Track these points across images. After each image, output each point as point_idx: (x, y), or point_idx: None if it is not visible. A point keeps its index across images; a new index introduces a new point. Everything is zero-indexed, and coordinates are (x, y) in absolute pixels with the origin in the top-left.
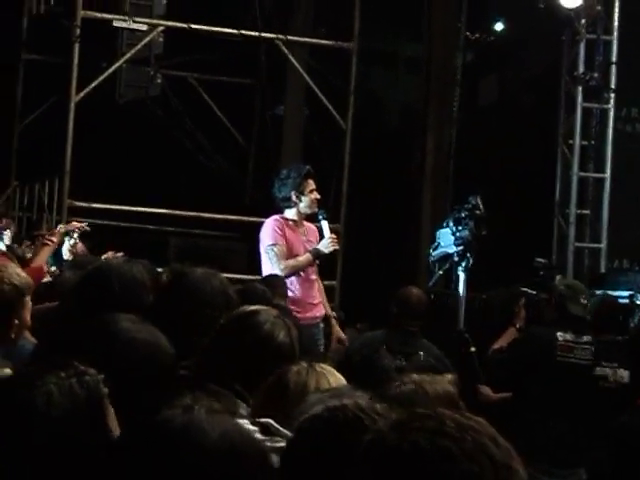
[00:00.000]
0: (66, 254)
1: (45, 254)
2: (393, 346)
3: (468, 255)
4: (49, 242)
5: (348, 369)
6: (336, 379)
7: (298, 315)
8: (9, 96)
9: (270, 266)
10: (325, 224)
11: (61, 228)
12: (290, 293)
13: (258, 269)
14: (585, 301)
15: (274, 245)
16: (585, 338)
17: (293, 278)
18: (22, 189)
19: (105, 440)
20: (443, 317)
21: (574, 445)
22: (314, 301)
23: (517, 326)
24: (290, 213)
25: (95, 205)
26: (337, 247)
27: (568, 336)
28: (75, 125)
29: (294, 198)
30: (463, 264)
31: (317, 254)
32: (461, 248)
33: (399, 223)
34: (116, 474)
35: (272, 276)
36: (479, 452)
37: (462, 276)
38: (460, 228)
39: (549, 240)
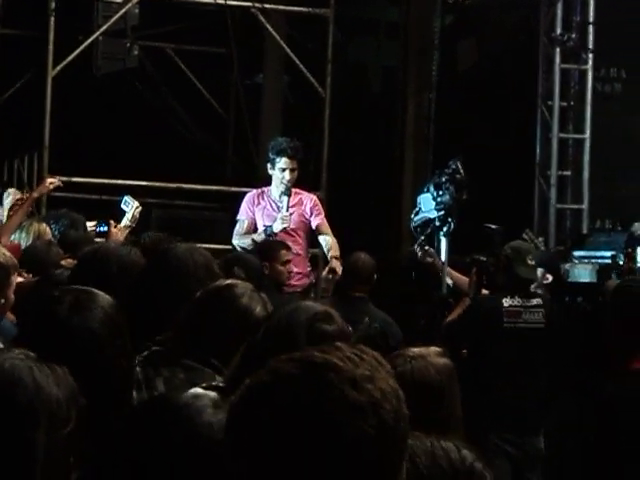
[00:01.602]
0: None
1: (17, 219)
2: (340, 313)
3: (449, 220)
4: (19, 204)
5: (291, 336)
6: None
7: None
8: None
9: None
10: (285, 200)
11: (34, 193)
12: None
13: None
14: (532, 262)
15: (238, 220)
16: (535, 301)
17: None
18: (1, 165)
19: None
20: (426, 283)
21: (527, 412)
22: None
23: (470, 295)
24: (272, 185)
25: (75, 179)
26: (286, 225)
27: (515, 301)
28: (53, 99)
29: (269, 172)
30: (445, 229)
31: (269, 232)
32: (442, 213)
33: (380, 189)
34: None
35: (269, 243)
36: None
37: (444, 241)
38: (441, 193)
39: (531, 202)
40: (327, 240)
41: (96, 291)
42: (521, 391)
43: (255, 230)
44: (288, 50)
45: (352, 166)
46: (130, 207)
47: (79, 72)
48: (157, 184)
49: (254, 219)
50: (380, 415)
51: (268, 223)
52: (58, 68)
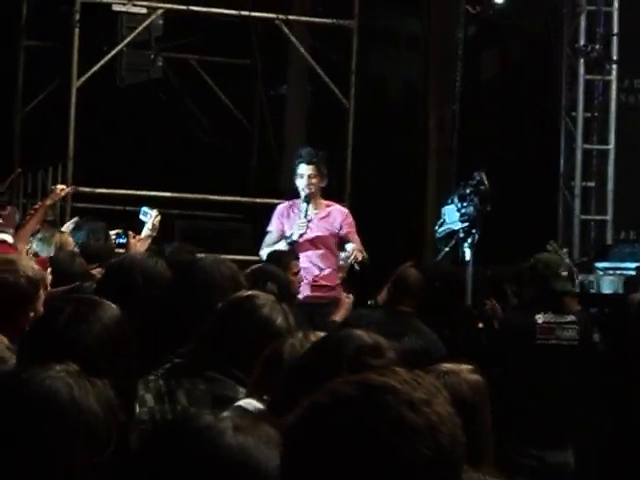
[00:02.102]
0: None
1: (30, 226)
2: (385, 327)
3: (473, 231)
4: (32, 212)
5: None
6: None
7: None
8: (10, 82)
9: None
10: (303, 207)
11: (47, 200)
12: None
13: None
14: (565, 273)
15: (268, 231)
16: (569, 317)
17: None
18: (25, 176)
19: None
20: (450, 294)
21: (557, 427)
22: (312, 283)
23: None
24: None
25: (99, 190)
26: (302, 231)
27: (549, 317)
28: (77, 110)
29: (295, 182)
30: (469, 240)
31: (290, 241)
32: (466, 224)
33: (404, 200)
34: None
35: (279, 253)
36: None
37: (468, 252)
38: (465, 204)
39: (555, 213)
40: (351, 245)
41: (102, 302)
42: (552, 408)
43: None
44: (312, 61)
45: (376, 177)
46: (149, 217)
47: (103, 83)
48: (181, 195)
49: (284, 231)
50: (437, 438)
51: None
52: (82, 79)
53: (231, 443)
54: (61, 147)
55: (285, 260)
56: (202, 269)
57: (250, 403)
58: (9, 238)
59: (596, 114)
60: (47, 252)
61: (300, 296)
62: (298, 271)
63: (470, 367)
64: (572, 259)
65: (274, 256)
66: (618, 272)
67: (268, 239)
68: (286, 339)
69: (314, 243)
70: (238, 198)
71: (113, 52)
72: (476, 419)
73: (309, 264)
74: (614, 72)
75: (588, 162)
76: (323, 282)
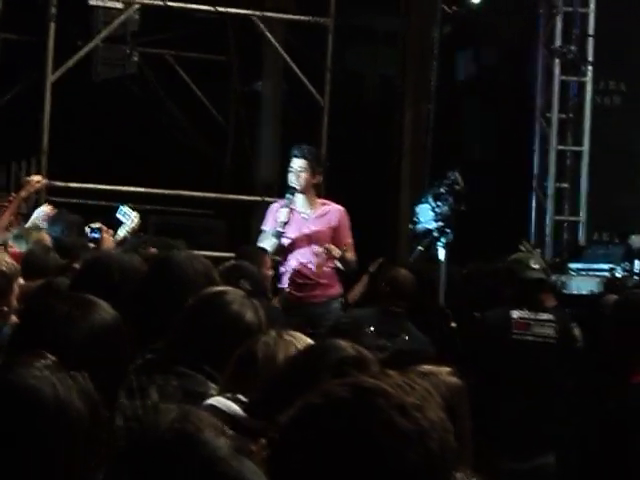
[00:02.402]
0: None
1: (5, 219)
2: (379, 326)
3: (448, 230)
4: (6, 205)
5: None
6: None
7: (295, 293)
8: None
9: None
10: (287, 198)
11: (22, 192)
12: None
13: (236, 246)
14: (536, 265)
15: (262, 230)
16: (546, 315)
17: (289, 258)
18: None
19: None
20: (424, 293)
21: (536, 429)
22: (306, 281)
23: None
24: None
25: (73, 185)
26: (281, 229)
27: (524, 313)
28: (52, 104)
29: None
30: (443, 240)
31: (275, 232)
32: (441, 224)
33: (378, 199)
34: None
35: (251, 249)
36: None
37: (442, 252)
38: (439, 204)
39: (528, 214)
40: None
41: (96, 303)
42: (529, 407)
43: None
44: (287, 58)
45: (349, 175)
46: (128, 219)
47: (78, 78)
48: (155, 190)
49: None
50: (426, 444)
51: (292, 233)
52: (57, 73)
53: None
54: (35, 141)
55: (258, 256)
56: (176, 265)
57: (222, 402)
58: None
59: (571, 115)
60: (24, 248)
61: (298, 295)
62: (272, 266)
63: (449, 369)
64: (545, 259)
65: (247, 252)
66: (591, 273)
67: (262, 238)
68: (259, 338)
69: (311, 241)
70: (211, 194)
71: (88, 46)
72: (455, 422)
73: (306, 262)
74: (589, 73)
75: (562, 163)
76: (320, 280)
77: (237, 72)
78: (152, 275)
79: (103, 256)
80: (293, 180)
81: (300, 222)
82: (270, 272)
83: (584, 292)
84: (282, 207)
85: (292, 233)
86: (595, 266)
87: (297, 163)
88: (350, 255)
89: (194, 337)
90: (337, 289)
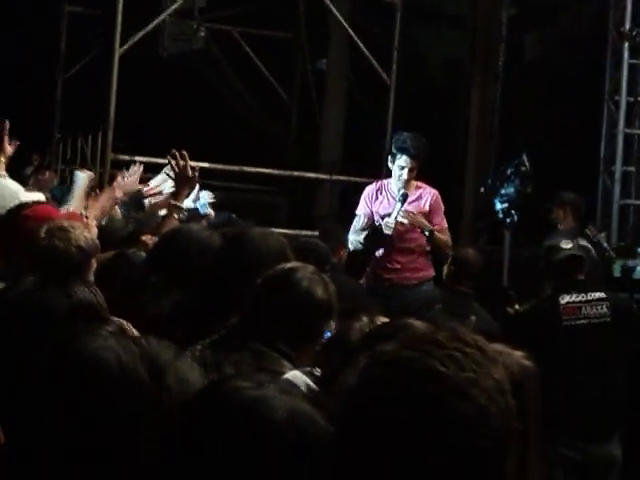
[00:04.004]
0: None
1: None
2: (447, 306)
3: (513, 212)
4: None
5: None
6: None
7: (384, 275)
8: (53, 48)
9: None
10: (397, 206)
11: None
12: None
13: (299, 223)
14: (569, 244)
15: (357, 214)
16: (596, 295)
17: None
18: (65, 142)
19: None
20: (488, 275)
21: (597, 415)
22: (396, 266)
23: None
24: (392, 178)
25: (138, 158)
26: (390, 232)
27: (573, 297)
28: (118, 78)
29: (389, 164)
30: (508, 221)
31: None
32: (506, 205)
33: (443, 179)
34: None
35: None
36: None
37: (507, 233)
38: (506, 185)
39: (594, 197)
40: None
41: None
42: (588, 393)
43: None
44: (354, 36)
45: None
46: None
47: (145, 52)
48: (219, 166)
49: (372, 213)
50: (489, 423)
51: (386, 212)
52: (125, 47)
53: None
54: (101, 114)
55: (341, 237)
56: (250, 241)
57: (297, 376)
58: (42, 197)
59: (639, 99)
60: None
61: (387, 277)
62: (341, 257)
63: (522, 353)
64: (610, 243)
65: (330, 232)
66: None
67: (356, 223)
68: (354, 323)
69: (403, 224)
70: (275, 171)
71: (156, 21)
72: (526, 404)
73: (398, 246)
74: None
75: (629, 146)
76: (411, 266)
77: (303, 50)
78: (226, 250)
79: (184, 230)
80: (405, 178)
81: (392, 205)
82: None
83: None
84: (389, 200)
85: (385, 213)
86: None
87: (409, 162)
88: (444, 237)
89: (266, 314)
90: (429, 272)
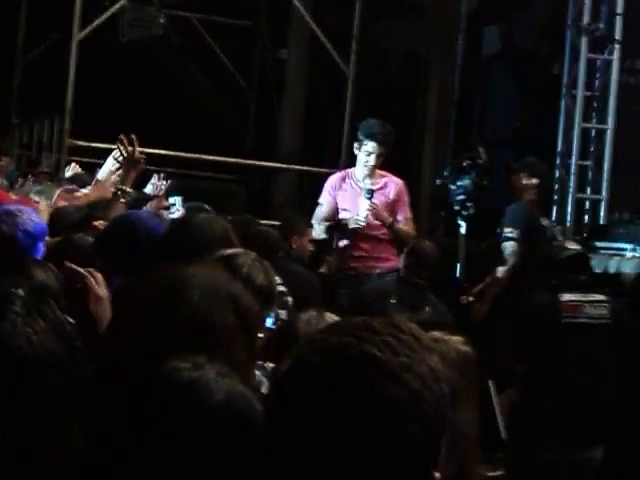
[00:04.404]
0: None
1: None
2: (402, 298)
3: (469, 204)
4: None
5: (357, 315)
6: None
7: (349, 264)
8: (12, 34)
9: None
10: (365, 203)
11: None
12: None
13: (256, 211)
14: (573, 245)
15: (318, 203)
16: (598, 296)
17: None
18: (22, 127)
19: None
20: (443, 266)
21: (588, 417)
22: (361, 254)
23: None
24: (357, 167)
25: (95, 144)
26: (360, 226)
27: (575, 295)
28: (77, 63)
29: (355, 151)
30: (464, 213)
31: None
32: (462, 197)
33: (401, 170)
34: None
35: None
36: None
37: (463, 225)
38: (462, 177)
39: (550, 190)
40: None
41: None
42: (582, 394)
43: (337, 215)
44: (314, 26)
45: None
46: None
47: (105, 37)
48: (177, 154)
49: (336, 204)
50: (421, 408)
51: (348, 207)
52: (84, 32)
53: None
54: (59, 100)
55: (303, 225)
56: (195, 226)
57: None
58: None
59: (596, 93)
60: (44, 203)
61: (352, 265)
62: (299, 245)
63: (461, 338)
64: (565, 237)
65: (292, 220)
66: (610, 252)
67: (318, 212)
68: (300, 315)
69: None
70: (233, 159)
71: (116, 6)
72: (464, 391)
73: (362, 235)
74: (616, 52)
75: (586, 141)
76: (376, 254)
77: (263, 38)
78: (170, 235)
79: (132, 216)
80: (372, 164)
81: (357, 194)
82: (309, 245)
83: (611, 271)
84: (352, 188)
85: (349, 205)
86: (617, 245)
87: (377, 148)
88: (406, 229)
89: None
90: (394, 262)
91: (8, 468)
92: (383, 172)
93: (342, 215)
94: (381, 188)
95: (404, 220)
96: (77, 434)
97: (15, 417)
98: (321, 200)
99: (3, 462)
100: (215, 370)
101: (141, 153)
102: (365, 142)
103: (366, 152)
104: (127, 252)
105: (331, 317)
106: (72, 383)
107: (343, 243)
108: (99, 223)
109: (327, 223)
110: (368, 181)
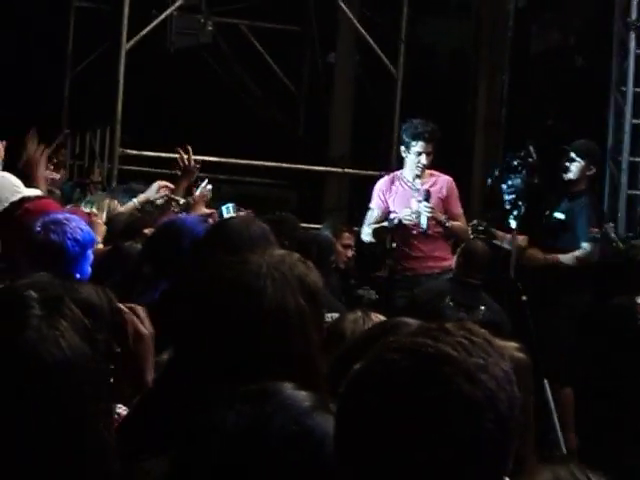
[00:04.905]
0: None
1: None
2: (457, 298)
3: (520, 203)
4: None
5: (412, 316)
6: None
7: (405, 265)
8: (61, 44)
9: None
10: (420, 205)
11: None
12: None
13: (308, 216)
14: None
15: (369, 208)
16: None
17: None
18: (74, 137)
19: None
20: (495, 266)
21: None
22: (418, 254)
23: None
24: (405, 167)
25: (146, 153)
26: (430, 214)
27: None
28: (126, 73)
29: (402, 154)
30: (515, 213)
31: (396, 222)
32: (513, 196)
33: (451, 171)
34: None
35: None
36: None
37: (514, 224)
38: (512, 176)
39: (601, 187)
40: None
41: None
42: None
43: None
44: (361, 29)
45: None
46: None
47: (153, 47)
48: (227, 160)
49: (387, 207)
50: (497, 408)
51: (398, 207)
52: (132, 42)
53: None
54: (109, 109)
55: (339, 230)
56: (231, 228)
57: None
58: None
59: None
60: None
61: (408, 266)
62: (349, 245)
63: (516, 345)
64: (617, 234)
65: (329, 225)
66: None
67: (369, 217)
68: (347, 315)
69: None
70: (283, 164)
71: (163, 15)
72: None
73: (415, 235)
74: None
75: (636, 137)
76: (433, 254)
77: (312, 43)
78: (207, 238)
79: (177, 222)
80: (424, 163)
81: (409, 195)
82: (347, 250)
83: None
84: (404, 189)
85: (401, 207)
86: None
87: (426, 147)
88: (459, 224)
89: None
90: (450, 261)
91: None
92: (431, 170)
93: (391, 215)
94: (431, 186)
95: (456, 216)
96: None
97: (57, 422)
98: (372, 205)
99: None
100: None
101: (195, 162)
102: (413, 143)
103: (416, 152)
104: (172, 257)
105: (377, 317)
106: (99, 379)
107: (398, 244)
108: (148, 230)
109: (375, 225)
110: (418, 181)
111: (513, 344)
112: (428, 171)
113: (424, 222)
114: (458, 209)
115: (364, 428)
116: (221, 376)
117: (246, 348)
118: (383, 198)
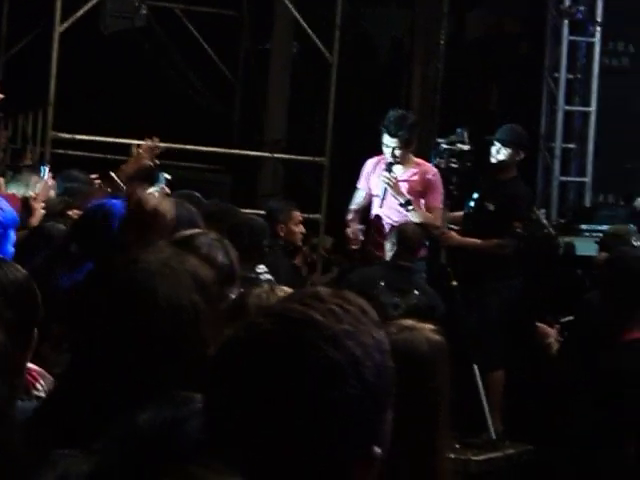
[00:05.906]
0: None
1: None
2: (390, 282)
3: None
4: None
5: None
6: None
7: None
8: None
9: None
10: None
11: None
12: None
13: (242, 201)
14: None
15: (357, 189)
16: None
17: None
18: (5, 120)
19: None
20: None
21: None
22: None
23: None
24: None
25: (79, 137)
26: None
27: None
28: (59, 56)
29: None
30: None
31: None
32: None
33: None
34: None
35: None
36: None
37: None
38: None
39: (534, 174)
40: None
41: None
42: None
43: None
44: (297, 15)
45: (357, 133)
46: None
47: (87, 29)
48: (162, 144)
49: (370, 187)
50: (361, 374)
51: (376, 190)
52: (65, 24)
53: None
54: (42, 93)
55: (287, 210)
56: (155, 209)
57: None
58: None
59: (579, 76)
60: (23, 193)
61: (380, 253)
62: (301, 221)
63: (433, 327)
64: (550, 220)
65: (276, 207)
66: (594, 234)
67: (357, 197)
68: (252, 289)
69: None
70: (218, 149)
71: None
72: (435, 379)
73: (391, 221)
74: (598, 34)
75: (569, 124)
76: None
77: (247, 28)
78: (130, 219)
79: (107, 203)
80: (387, 156)
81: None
82: (298, 228)
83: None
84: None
85: (377, 190)
86: (601, 228)
87: (390, 142)
88: (425, 214)
89: None
90: (422, 251)
91: None
92: (419, 160)
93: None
94: (411, 175)
95: (431, 209)
96: None
97: None
98: (359, 185)
99: None
100: None
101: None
102: (383, 132)
103: (384, 144)
104: (101, 239)
105: (283, 291)
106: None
107: (372, 231)
108: (73, 212)
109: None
110: (399, 167)
111: (429, 326)
112: (415, 159)
113: (381, 192)
114: (435, 202)
115: (230, 391)
116: (118, 374)
117: (141, 348)
118: (368, 179)
